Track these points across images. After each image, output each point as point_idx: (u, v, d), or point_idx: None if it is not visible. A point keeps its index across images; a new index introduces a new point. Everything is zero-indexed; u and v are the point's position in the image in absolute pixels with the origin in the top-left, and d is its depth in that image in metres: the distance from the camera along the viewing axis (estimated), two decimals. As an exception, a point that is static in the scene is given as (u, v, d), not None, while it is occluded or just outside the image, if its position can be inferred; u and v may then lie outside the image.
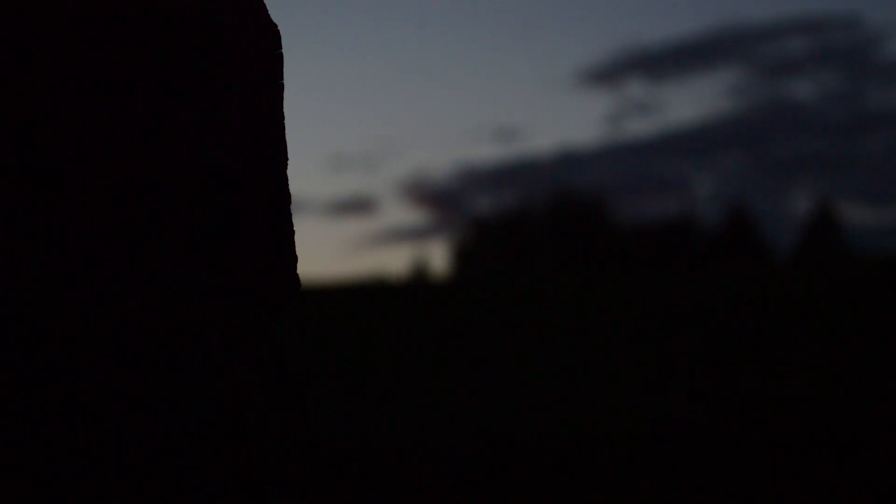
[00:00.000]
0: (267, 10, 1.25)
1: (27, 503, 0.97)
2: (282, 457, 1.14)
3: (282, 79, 1.26)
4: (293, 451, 1.15)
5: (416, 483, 6.88)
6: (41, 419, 0.99)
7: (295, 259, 1.24)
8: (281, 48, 1.25)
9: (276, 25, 1.24)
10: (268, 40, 1.24)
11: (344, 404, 10.91)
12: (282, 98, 1.25)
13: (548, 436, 8.59)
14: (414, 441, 8.48)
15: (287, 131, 1.27)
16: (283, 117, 1.25)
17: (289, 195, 1.25)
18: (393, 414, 10.31)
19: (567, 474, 7.06)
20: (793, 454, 7.36)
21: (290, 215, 1.25)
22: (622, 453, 7.66)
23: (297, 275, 1.25)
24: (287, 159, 1.25)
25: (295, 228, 1.26)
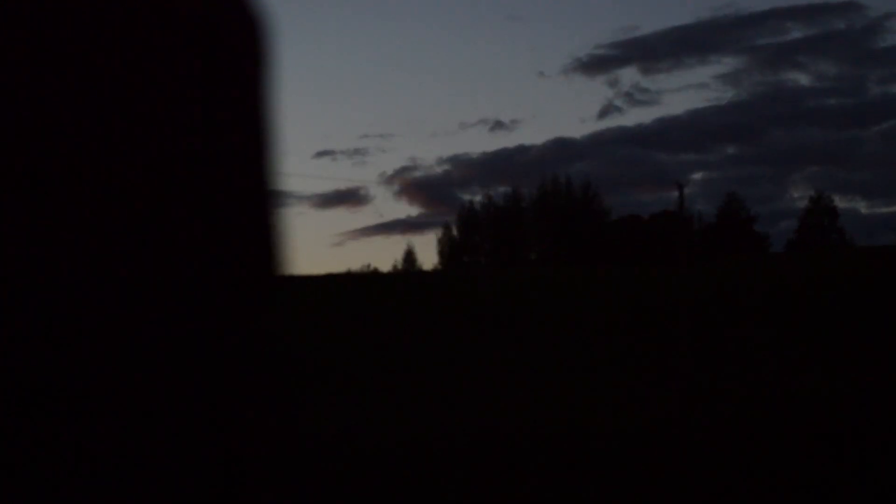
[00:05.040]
0: (256, 5, 1.24)
1: (24, 502, 0.97)
2: (277, 451, 1.13)
3: (273, 73, 1.25)
4: (288, 445, 1.14)
5: (412, 477, 6.89)
6: (35, 418, 0.99)
7: (287, 252, 1.23)
8: (271, 42, 1.24)
9: (266, 19, 1.23)
10: (258, 35, 1.23)
11: (337, 395, 10.92)
12: (273, 92, 1.24)
13: (539, 428, 8.61)
14: (409, 434, 8.49)
15: (278, 124, 1.26)
16: (274, 111, 1.24)
17: (280, 188, 1.25)
18: (385, 406, 10.32)
19: (562, 469, 7.08)
20: (791, 450, 7.39)
21: (282, 208, 1.24)
22: (617, 447, 7.68)
23: (288, 267, 1.24)
24: (278, 152, 1.24)
25: (287, 221, 1.25)
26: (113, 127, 1.05)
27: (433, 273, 38.47)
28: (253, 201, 1.17)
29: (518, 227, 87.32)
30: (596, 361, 13.74)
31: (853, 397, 9.39)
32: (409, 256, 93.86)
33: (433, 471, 7.07)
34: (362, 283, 29.34)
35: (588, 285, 25.01)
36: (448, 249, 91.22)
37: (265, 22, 1.23)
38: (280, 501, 1.12)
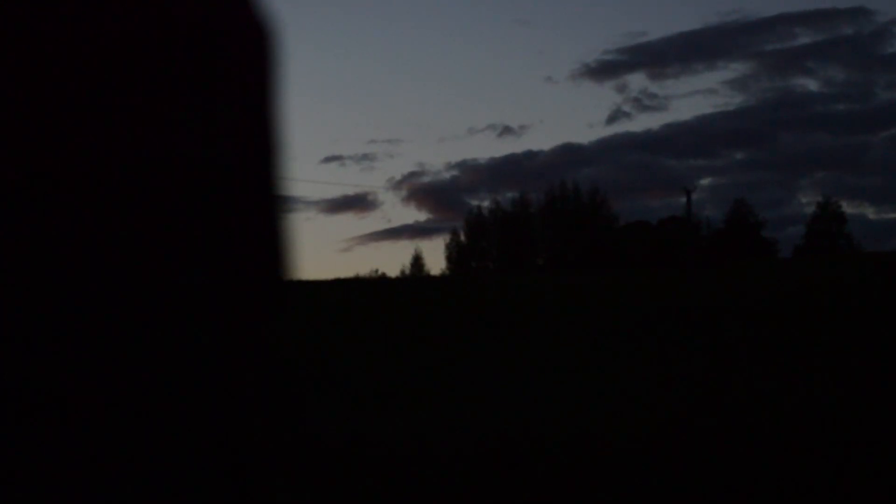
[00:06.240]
0: (263, 10, 1.24)
1: (25, 502, 0.97)
2: (278, 455, 1.14)
3: (281, 78, 1.25)
4: (290, 449, 1.15)
5: (420, 480, 6.88)
6: (38, 418, 0.99)
7: (293, 258, 1.24)
8: (279, 47, 1.25)
9: (273, 25, 1.24)
10: (266, 40, 1.23)
11: (340, 401, 10.92)
12: (281, 97, 1.25)
13: (544, 432, 8.59)
14: (412, 439, 8.48)
15: (286, 130, 1.26)
16: (282, 116, 1.24)
17: (287, 194, 1.25)
18: (390, 411, 10.31)
19: (561, 472, 7.06)
20: (798, 456, 7.37)
21: (288, 214, 1.25)
22: (627, 450, 7.66)
23: (294, 273, 1.25)
24: (286, 158, 1.25)
25: (293, 227, 1.25)
26: (121, 132, 1.06)
27: (441, 278, 38.40)
28: (261, 206, 1.18)
29: (526, 233, 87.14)
30: (605, 366, 13.72)
31: (861, 403, 9.37)
32: (417, 262, 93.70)
33: (442, 475, 7.06)
34: (370, 288, 29.30)
35: (596, 290, 24.93)
36: (456, 255, 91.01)
37: (272, 27, 1.24)
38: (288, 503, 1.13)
